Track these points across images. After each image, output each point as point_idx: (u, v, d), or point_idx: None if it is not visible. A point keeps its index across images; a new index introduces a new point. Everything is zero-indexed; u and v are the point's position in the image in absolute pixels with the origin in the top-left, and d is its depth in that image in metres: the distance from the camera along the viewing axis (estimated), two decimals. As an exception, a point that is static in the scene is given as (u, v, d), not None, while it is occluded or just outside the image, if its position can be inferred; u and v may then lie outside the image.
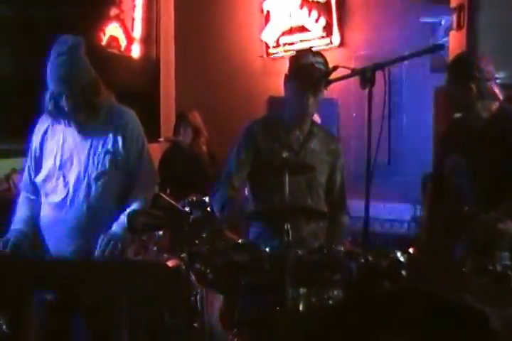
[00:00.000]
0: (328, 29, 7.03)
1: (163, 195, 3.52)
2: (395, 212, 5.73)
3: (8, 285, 3.23)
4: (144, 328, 3.56)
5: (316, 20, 7.10)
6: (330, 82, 3.57)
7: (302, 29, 7.27)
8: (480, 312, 2.85)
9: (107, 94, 3.63)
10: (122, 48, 7.84)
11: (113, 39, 7.65)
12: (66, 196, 3.56)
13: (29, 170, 3.70)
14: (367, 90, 3.03)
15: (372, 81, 3.01)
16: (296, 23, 7.31)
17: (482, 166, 3.72)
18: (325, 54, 3.81)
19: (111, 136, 3.57)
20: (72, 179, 3.55)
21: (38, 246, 3.66)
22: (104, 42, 7.53)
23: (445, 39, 5.60)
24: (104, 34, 7.53)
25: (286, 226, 3.19)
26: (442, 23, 5.83)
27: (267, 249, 3.30)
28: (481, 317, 2.82)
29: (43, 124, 3.66)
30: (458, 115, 4.11)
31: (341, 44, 7.00)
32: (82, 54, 3.48)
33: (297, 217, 3.48)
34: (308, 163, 3.70)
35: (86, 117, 3.54)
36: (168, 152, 6.19)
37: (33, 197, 3.69)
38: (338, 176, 3.93)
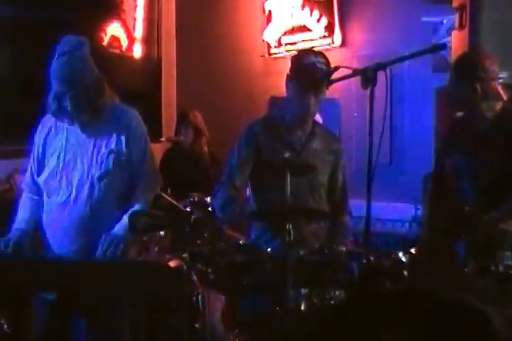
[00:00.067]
0: (329, 29, 7.02)
1: (165, 195, 3.51)
2: (397, 211, 5.72)
3: (10, 285, 3.23)
4: (145, 328, 3.56)
5: (318, 20, 7.09)
6: (331, 82, 3.57)
7: (304, 29, 7.26)
8: (482, 312, 2.85)
9: (111, 94, 3.63)
10: (124, 48, 7.84)
11: (114, 39, 7.65)
12: (69, 196, 3.55)
13: (32, 169, 3.70)
14: (368, 90, 3.03)
15: (373, 81, 3.01)
16: (297, 22, 7.30)
17: (483, 166, 3.72)
18: (326, 54, 3.81)
19: (114, 135, 3.57)
20: (75, 179, 3.55)
21: (40, 245, 3.66)
22: (105, 42, 7.53)
23: (447, 39, 5.59)
24: (106, 34, 7.53)
25: (287, 227, 3.19)
26: (444, 22, 5.82)
27: (269, 249, 3.30)
28: (482, 318, 2.81)
29: (46, 124, 3.66)
30: (460, 115, 4.10)
31: (343, 44, 6.99)
32: (86, 54, 3.48)
33: (298, 217, 3.48)
34: (310, 162, 3.70)
35: (89, 117, 3.54)
36: (169, 152, 6.19)
37: (35, 196, 3.69)
38: (339, 176, 3.93)
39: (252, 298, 3.26)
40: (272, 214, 3.49)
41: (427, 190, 4.23)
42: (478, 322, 2.80)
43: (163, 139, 6.48)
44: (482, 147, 3.76)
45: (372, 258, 3.14)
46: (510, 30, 4.95)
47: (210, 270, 3.26)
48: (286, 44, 7.43)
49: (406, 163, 6.24)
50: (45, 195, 3.64)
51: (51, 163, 3.60)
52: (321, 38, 7.10)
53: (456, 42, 5.25)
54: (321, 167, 3.78)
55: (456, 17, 5.27)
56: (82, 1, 6.87)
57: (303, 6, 7.22)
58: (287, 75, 3.77)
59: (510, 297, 3.20)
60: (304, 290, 3.18)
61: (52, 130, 3.63)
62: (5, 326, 3.49)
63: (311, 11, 7.14)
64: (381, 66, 3.05)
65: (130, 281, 3.14)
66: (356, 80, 3.13)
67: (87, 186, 3.53)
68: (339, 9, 6.97)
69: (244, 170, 3.81)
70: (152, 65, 8.11)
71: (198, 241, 3.31)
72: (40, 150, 3.64)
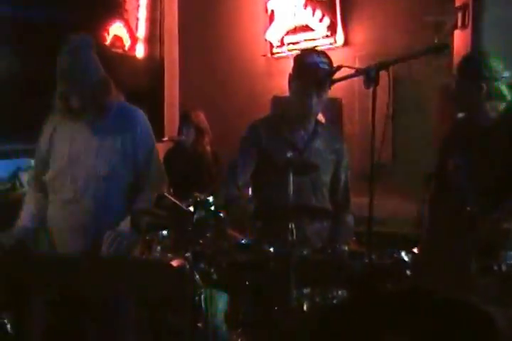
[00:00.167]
0: (332, 28, 7.02)
1: (167, 195, 3.52)
2: (399, 210, 5.72)
3: (12, 284, 3.24)
4: (148, 328, 3.56)
5: (320, 20, 7.09)
6: (334, 81, 3.57)
7: (306, 28, 7.26)
8: (485, 312, 2.85)
9: (117, 93, 3.63)
10: (126, 48, 7.85)
11: (117, 39, 7.66)
12: (74, 194, 3.56)
13: (37, 167, 3.70)
14: (371, 90, 3.03)
15: (376, 80, 3.01)
16: (300, 22, 7.31)
17: (485, 167, 3.72)
18: (329, 53, 3.81)
19: (120, 135, 3.57)
20: (80, 177, 3.55)
21: (44, 243, 3.67)
22: (108, 42, 7.54)
23: (449, 38, 5.59)
24: (108, 34, 7.54)
25: (290, 226, 3.19)
26: (446, 22, 5.82)
27: (271, 249, 3.30)
28: (485, 318, 2.81)
29: (51, 123, 3.67)
30: (462, 115, 4.10)
31: (345, 43, 6.99)
32: (92, 53, 3.48)
33: (301, 216, 3.48)
34: (313, 162, 3.70)
35: (95, 116, 3.55)
36: (171, 151, 6.19)
37: (40, 194, 3.70)
38: (342, 175, 3.93)
39: (255, 297, 3.26)
40: (274, 214, 3.50)
41: (429, 190, 4.23)
42: (481, 322, 2.81)
43: (165, 139, 6.49)
44: (484, 147, 3.76)
45: (374, 258, 3.14)
46: (513, 30, 4.96)
47: (212, 269, 3.26)
48: (288, 44, 7.43)
49: (408, 162, 6.24)
50: (50, 192, 3.64)
51: (57, 161, 3.61)
52: (323, 37, 7.11)
53: (459, 41, 5.25)
54: (324, 166, 3.78)
55: (458, 16, 5.27)
56: (84, 1, 6.87)
57: (305, 6, 7.23)
58: (290, 75, 3.77)
59: (513, 297, 3.20)
60: (306, 290, 3.18)
61: (58, 128, 3.64)
62: (8, 326, 3.49)
63: (314, 10, 7.15)
64: (383, 65, 3.05)
65: (133, 280, 3.15)
66: (359, 80, 3.13)
67: (92, 184, 3.54)
68: (341, 9, 6.97)
69: (246, 170, 3.82)
70: (155, 64, 8.11)
71: (201, 241, 3.30)
72: (46, 148, 3.65)
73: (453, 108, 4.44)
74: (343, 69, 3.44)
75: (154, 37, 8.11)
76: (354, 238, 3.90)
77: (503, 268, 3.24)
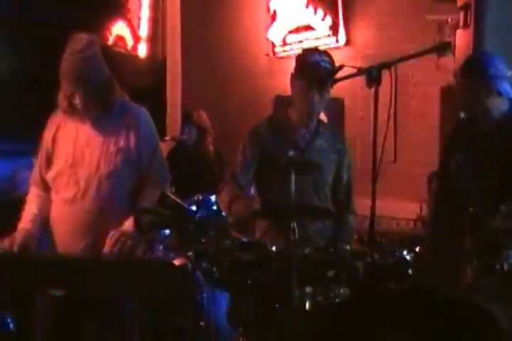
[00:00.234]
0: (334, 28, 7.02)
1: (169, 194, 3.52)
2: (401, 210, 5.73)
3: (16, 284, 3.24)
4: (151, 327, 3.57)
5: (322, 19, 7.09)
6: (336, 80, 3.57)
7: (308, 28, 7.27)
8: (487, 311, 2.85)
9: (120, 92, 3.64)
10: (129, 47, 7.86)
11: (119, 38, 7.68)
12: (77, 193, 3.56)
13: (40, 166, 3.70)
14: (373, 89, 3.03)
15: (378, 80, 3.02)
16: (302, 22, 7.31)
17: (489, 166, 3.72)
18: (331, 53, 3.82)
19: (124, 134, 3.57)
20: (83, 176, 3.55)
21: (46, 243, 3.67)
22: (110, 42, 7.55)
23: (451, 37, 5.59)
24: (111, 33, 7.56)
25: (292, 225, 3.19)
26: (449, 21, 5.82)
27: (273, 248, 3.30)
28: (488, 317, 2.82)
29: (55, 121, 3.67)
30: (465, 114, 4.10)
31: (347, 43, 6.99)
32: (97, 52, 3.48)
33: (303, 215, 3.49)
34: (315, 161, 3.70)
35: (99, 115, 3.55)
36: (174, 151, 6.19)
37: (43, 193, 3.69)
38: (344, 175, 3.93)
39: (257, 296, 3.26)
40: (276, 213, 3.50)
41: (432, 190, 4.23)
42: (483, 321, 2.81)
43: (167, 138, 6.49)
44: (487, 147, 3.76)
45: (376, 257, 3.14)
46: (515, 29, 4.96)
47: (215, 268, 3.26)
48: (290, 43, 7.43)
49: (411, 162, 6.24)
50: (53, 191, 3.65)
51: (60, 160, 3.61)
52: (325, 36, 7.11)
53: (461, 40, 5.25)
54: (326, 166, 3.79)
55: (460, 16, 5.27)
56: (87, 1, 6.88)
57: (307, 5, 7.23)
58: (292, 74, 3.78)
59: (516, 296, 3.20)
60: (308, 289, 3.18)
61: (62, 127, 3.64)
62: (11, 325, 3.50)
63: (316, 10, 7.15)
64: (386, 65, 3.06)
65: (135, 280, 3.15)
66: (361, 79, 3.14)
67: (95, 183, 3.54)
68: (343, 8, 6.97)
69: (249, 169, 3.82)
70: (157, 64, 8.13)
71: (203, 240, 3.31)
72: (49, 146, 3.65)
73: (455, 108, 4.44)
74: (345, 68, 3.45)
75: (157, 36, 8.13)
76: (356, 237, 3.90)
77: (506, 267, 3.24)
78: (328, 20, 7.06)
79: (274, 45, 7.60)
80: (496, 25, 4.91)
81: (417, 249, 3.29)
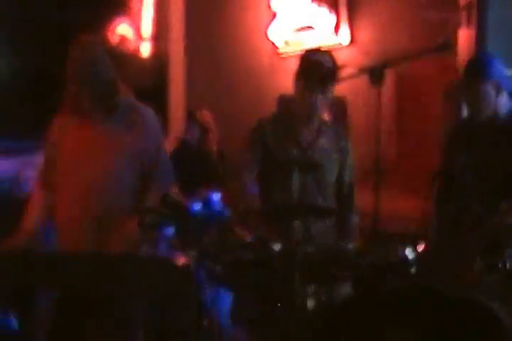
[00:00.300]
0: (337, 27, 7.02)
1: (171, 193, 3.53)
2: (404, 209, 5.72)
3: (19, 282, 3.25)
4: (153, 326, 3.58)
5: (325, 19, 7.09)
6: (339, 80, 3.58)
7: (311, 27, 7.27)
8: (490, 309, 2.86)
9: (126, 93, 3.65)
10: (132, 47, 7.86)
11: (123, 38, 7.68)
12: (82, 192, 3.57)
13: (45, 165, 3.71)
14: (376, 88, 3.04)
15: (381, 79, 3.03)
16: (305, 21, 7.31)
17: (491, 166, 3.73)
18: (334, 52, 3.83)
19: (129, 134, 3.58)
20: (88, 175, 3.56)
21: (50, 243, 3.68)
22: (114, 42, 7.55)
23: (454, 37, 5.59)
24: (114, 33, 7.56)
25: (295, 224, 3.20)
26: (451, 20, 5.82)
27: (276, 247, 3.31)
28: (490, 315, 2.82)
29: (60, 121, 3.67)
30: (467, 114, 4.11)
31: (350, 42, 6.99)
32: (102, 53, 3.50)
33: (306, 214, 3.49)
34: (317, 160, 3.71)
35: (104, 115, 3.56)
36: (177, 150, 6.21)
37: (47, 192, 3.71)
38: (347, 174, 3.94)
39: (260, 295, 3.27)
40: (279, 212, 3.51)
41: (435, 188, 4.23)
42: (486, 319, 2.81)
43: (170, 138, 6.51)
44: (490, 146, 3.77)
45: (379, 256, 3.15)
46: (517, 29, 4.96)
47: (217, 267, 3.27)
48: (294, 43, 7.43)
49: (413, 161, 6.24)
50: (58, 191, 3.66)
51: (65, 159, 3.62)
52: (328, 36, 7.10)
53: (463, 40, 5.25)
54: (329, 165, 3.80)
55: (463, 15, 5.27)
56: (90, 1, 6.89)
57: (310, 4, 7.23)
58: (295, 74, 3.79)
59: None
60: (311, 288, 3.19)
61: (67, 126, 3.65)
62: (14, 324, 3.51)
63: (319, 9, 7.15)
64: (388, 64, 3.07)
65: (138, 279, 3.16)
66: (364, 78, 3.15)
67: (100, 182, 3.55)
68: (347, 8, 6.97)
69: (252, 168, 3.83)
70: (160, 63, 8.13)
71: (206, 239, 3.32)
72: (54, 146, 3.66)
73: (458, 107, 4.45)
74: (348, 68, 3.46)
75: (160, 36, 8.12)
76: (358, 236, 3.90)
77: (508, 265, 3.25)
78: (332, 19, 7.06)
79: (277, 45, 7.60)
80: (498, 25, 4.92)
81: (420, 248, 3.30)
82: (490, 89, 3.73)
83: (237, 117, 7.11)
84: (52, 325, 3.48)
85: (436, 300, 2.85)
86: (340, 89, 3.82)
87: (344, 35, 6.99)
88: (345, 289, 3.24)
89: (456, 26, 5.53)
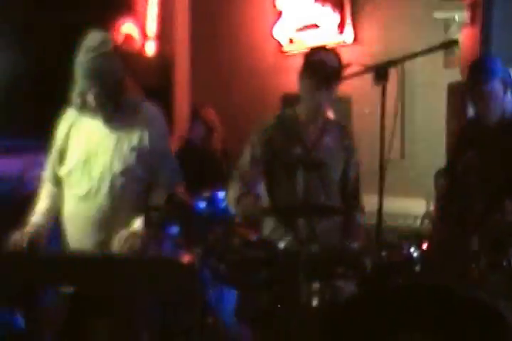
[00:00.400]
0: (341, 26, 7.02)
1: (176, 192, 3.54)
2: (409, 207, 5.72)
3: (25, 280, 3.26)
4: (158, 324, 3.58)
5: (330, 17, 7.09)
6: (343, 78, 3.58)
7: (315, 26, 7.27)
8: (494, 308, 2.86)
9: (135, 91, 3.65)
10: (137, 46, 7.86)
11: (128, 37, 7.67)
12: (89, 190, 3.58)
13: (53, 162, 3.72)
14: (380, 87, 3.04)
15: (385, 77, 3.03)
16: (309, 20, 7.31)
17: (496, 165, 3.73)
18: (338, 51, 3.83)
19: (137, 132, 3.58)
20: (96, 173, 3.57)
21: (57, 239, 3.69)
22: (119, 41, 7.54)
23: (458, 35, 5.60)
24: (119, 32, 7.55)
25: (299, 223, 3.20)
26: (456, 18, 5.82)
27: (281, 245, 3.31)
28: (495, 313, 2.83)
29: (68, 117, 3.68)
30: (472, 114, 4.12)
31: (355, 41, 6.99)
32: (112, 50, 3.50)
33: (311, 213, 3.50)
34: (322, 159, 3.71)
35: (112, 113, 3.56)
36: (182, 149, 6.21)
37: (55, 189, 3.71)
38: (352, 172, 3.94)
39: (264, 293, 3.28)
40: (284, 211, 3.51)
41: (439, 188, 4.24)
42: (490, 317, 2.82)
43: (175, 137, 6.51)
44: (494, 146, 3.77)
45: (384, 254, 3.15)
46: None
47: (222, 266, 3.28)
48: (298, 41, 7.43)
49: (418, 158, 6.25)
50: (65, 188, 3.66)
51: (73, 156, 3.62)
52: (332, 34, 7.11)
53: (468, 38, 5.25)
54: (333, 163, 3.80)
55: (467, 13, 5.27)
56: (95, 0, 6.89)
57: (314, 3, 7.23)
58: (299, 72, 3.79)
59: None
60: (316, 286, 3.19)
61: (76, 124, 3.65)
62: (20, 323, 3.52)
63: (323, 7, 7.15)
64: (393, 63, 3.07)
65: (143, 277, 3.17)
66: (368, 77, 3.15)
67: (107, 181, 3.55)
68: (351, 6, 6.97)
69: (256, 167, 3.83)
70: (165, 62, 8.12)
71: (211, 237, 3.32)
72: (62, 143, 3.66)
73: (463, 106, 4.45)
74: (352, 66, 3.46)
75: (165, 35, 8.11)
76: (363, 234, 3.91)
77: (512, 264, 3.26)
78: (336, 18, 7.06)
79: (281, 44, 7.60)
80: (502, 23, 4.91)
81: (425, 246, 3.30)
82: (496, 88, 3.73)
83: (241, 115, 7.12)
84: (60, 323, 3.49)
85: (440, 298, 2.85)
86: (344, 87, 3.82)
87: (348, 34, 6.99)
88: (350, 288, 3.24)
89: (461, 25, 5.53)
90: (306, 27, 7.35)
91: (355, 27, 6.98)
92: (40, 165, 3.84)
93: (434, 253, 3.48)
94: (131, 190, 3.58)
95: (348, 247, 3.34)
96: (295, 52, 7.36)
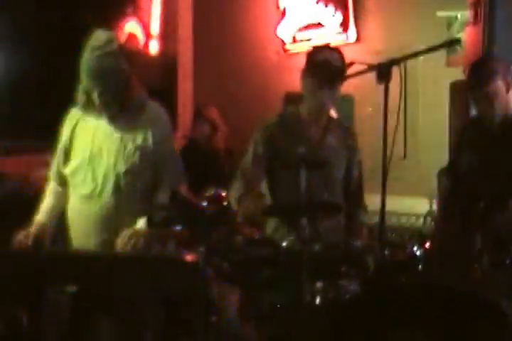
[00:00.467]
0: (344, 25, 7.02)
1: (180, 191, 3.54)
2: (412, 205, 5.73)
3: (29, 279, 3.27)
4: (162, 322, 3.59)
5: (333, 16, 7.10)
6: (346, 77, 3.59)
7: (318, 25, 7.27)
8: (496, 306, 2.86)
9: (140, 90, 3.65)
10: (140, 45, 7.85)
11: (131, 36, 7.67)
12: (94, 189, 3.58)
13: (58, 161, 3.72)
14: (383, 85, 3.05)
15: (388, 76, 3.03)
16: (312, 19, 7.31)
17: (499, 164, 3.73)
18: (341, 49, 3.83)
19: (141, 132, 3.59)
20: (100, 173, 3.57)
21: (61, 238, 3.70)
22: (122, 40, 7.54)
23: (461, 33, 5.59)
24: (123, 31, 7.55)
25: (302, 222, 3.21)
26: (458, 17, 5.82)
27: (284, 244, 3.32)
28: (497, 311, 2.83)
29: (74, 116, 3.68)
30: (475, 114, 4.12)
31: (357, 40, 6.99)
32: (117, 49, 3.50)
33: (314, 212, 3.50)
34: (325, 158, 3.71)
35: (117, 112, 3.57)
36: (185, 148, 6.21)
37: (60, 188, 3.72)
38: (355, 171, 3.94)
39: (268, 292, 3.28)
40: (287, 210, 3.51)
41: (442, 187, 4.24)
42: (493, 315, 2.82)
43: (178, 136, 6.50)
44: (496, 146, 3.77)
45: (386, 253, 3.15)
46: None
47: (226, 264, 3.28)
48: (301, 40, 7.43)
49: (420, 157, 6.24)
50: (70, 187, 3.67)
51: (78, 155, 3.63)
52: (335, 33, 7.11)
53: (471, 37, 5.25)
54: (336, 162, 3.80)
55: (470, 12, 5.26)
56: (98, -1, 6.91)
57: (317, 2, 7.23)
58: (302, 71, 3.79)
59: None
60: (319, 285, 3.19)
61: (81, 122, 3.65)
62: (24, 321, 3.52)
63: (326, 6, 7.15)
64: (396, 61, 3.08)
65: (146, 276, 3.17)
66: (371, 76, 3.15)
67: (112, 180, 3.56)
68: (354, 5, 6.97)
69: (259, 166, 3.83)
70: (168, 61, 8.12)
71: (214, 236, 3.33)
72: (67, 142, 3.67)
73: (466, 105, 4.45)
74: (355, 65, 3.46)
75: (168, 34, 8.11)
76: (366, 233, 3.91)
77: (515, 262, 3.26)
78: (339, 17, 7.06)
79: (284, 43, 7.60)
80: (505, 22, 4.90)
81: (427, 245, 3.31)
82: (499, 88, 3.73)
83: (244, 114, 7.12)
84: (63, 322, 3.49)
85: (443, 297, 2.85)
86: (347, 86, 3.82)
87: (351, 33, 6.99)
88: (353, 287, 3.25)
89: (464, 23, 5.52)
90: (309, 26, 7.35)
91: (358, 26, 6.98)
92: (46, 165, 3.85)
93: (437, 252, 3.49)
94: (135, 189, 3.59)
95: (351, 246, 3.34)
96: (298, 51, 7.36)
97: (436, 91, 6.20)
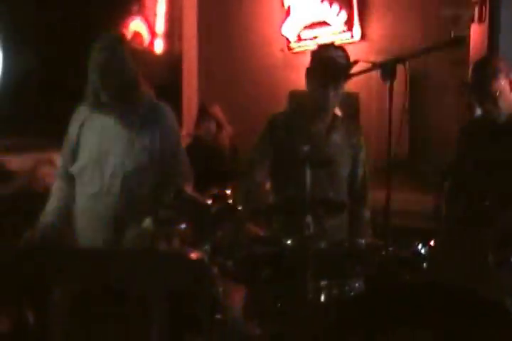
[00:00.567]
0: (349, 23, 7.02)
1: (185, 189, 3.55)
2: (416, 203, 5.72)
3: (35, 276, 3.28)
4: (167, 319, 3.60)
5: (337, 14, 7.10)
6: (351, 75, 3.59)
7: (323, 23, 7.27)
8: (501, 304, 2.86)
9: (147, 89, 3.66)
10: (145, 44, 7.87)
11: (136, 35, 7.69)
12: (101, 188, 3.59)
13: (65, 159, 3.73)
14: (388, 83, 3.05)
15: (393, 74, 3.04)
16: (317, 17, 7.31)
17: (503, 163, 3.73)
18: (346, 48, 3.83)
19: (149, 131, 3.60)
20: (107, 171, 3.58)
21: (68, 236, 3.71)
22: (128, 38, 7.55)
23: (466, 32, 5.59)
24: (128, 30, 7.57)
25: (307, 219, 3.21)
26: (463, 16, 5.82)
27: (289, 242, 3.32)
28: (502, 310, 2.83)
29: (81, 114, 3.69)
30: (479, 112, 4.12)
31: (362, 38, 6.99)
32: (125, 49, 3.52)
33: (318, 210, 3.50)
34: (330, 156, 3.71)
35: (125, 111, 3.58)
36: (190, 146, 6.21)
37: (67, 186, 3.73)
38: (360, 169, 3.94)
39: (272, 289, 3.29)
40: (292, 207, 3.51)
41: (447, 184, 4.24)
42: (497, 314, 2.82)
43: (183, 134, 6.51)
44: (502, 144, 3.77)
45: (391, 251, 3.16)
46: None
47: (230, 262, 3.29)
48: (305, 39, 7.44)
49: (425, 155, 6.25)
50: (77, 185, 3.68)
51: (85, 153, 3.64)
52: (340, 32, 7.11)
53: (475, 35, 5.25)
54: (341, 160, 3.81)
55: (475, 10, 5.26)
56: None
57: (322, 1, 7.23)
58: (307, 69, 3.79)
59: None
60: (323, 282, 3.20)
61: (88, 120, 3.66)
62: (30, 317, 3.53)
63: (331, 5, 7.15)
64: (400, 59, 3.08)
65: (152, 273, 3.18)
66: (376, 74, 3.16)
67: (119, 179, 3.57)
68: (358, 3, 6.97)
69: (264, 164, 3.84)
70: (173, 59, 8.13)
71: (219, 234, 3.33)
72: (75, 140, 3.68)
73: (471, 104, 4.45)
74: (360, 63, 3.46)
75: (173, 32, 8.12)
76: (371, 231, 3.91)
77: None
78: (343, 15, 7.06)
79: (289, 41, 7.61)
80: (510, 21, 4.91)
81: (432, 243, 3.31)
82: (502, 87, 3.74)
83: (249, 112, 7.13)
84: (68, 318, 3.50)
85: (447, 295, 2.86)
86: (352, 84, 3.82)
87: (356, 31, 6.99)
88: (357, 284, 3.25)
89: (469, 21, 5.52)
90: (314, 24, 7.35)
91: (362, 24, 6.98)
92: (50, 163, 3.86)
93: (442, 250, 3.49)
94: (142, 188, 3.60)
95: (356, 244, 3.35)
96: (303, 49, 7.36)
97: (441, 89, 6.19)
